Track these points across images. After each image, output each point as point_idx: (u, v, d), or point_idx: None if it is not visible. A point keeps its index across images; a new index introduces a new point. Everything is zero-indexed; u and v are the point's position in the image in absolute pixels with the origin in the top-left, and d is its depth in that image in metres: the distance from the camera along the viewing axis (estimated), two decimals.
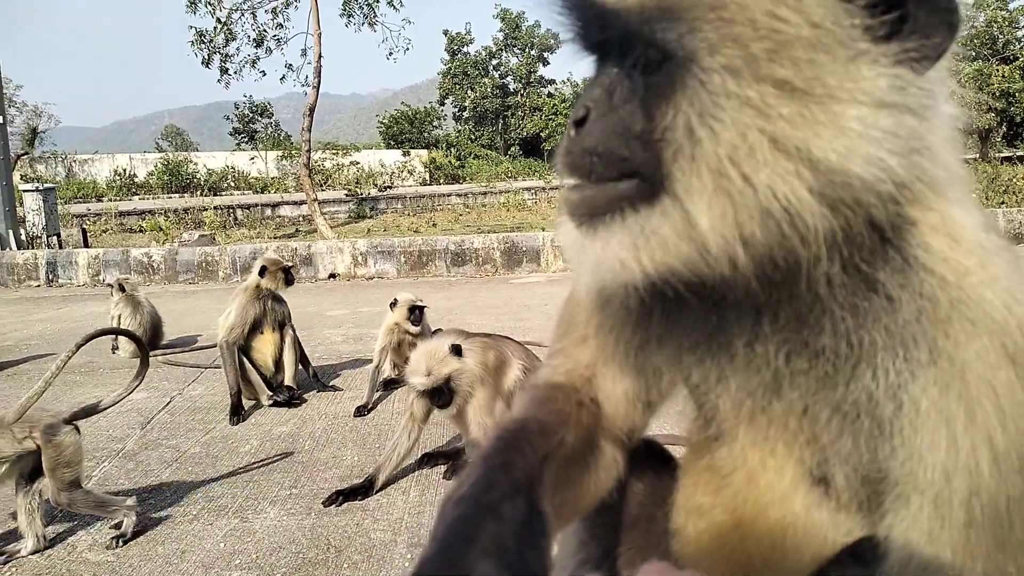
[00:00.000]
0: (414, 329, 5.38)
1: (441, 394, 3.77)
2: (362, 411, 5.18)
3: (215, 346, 7.07)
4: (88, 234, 17.20)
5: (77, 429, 3.62)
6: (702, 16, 0.78)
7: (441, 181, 39.73)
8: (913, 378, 0.87)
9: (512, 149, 56.62)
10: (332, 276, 12.25)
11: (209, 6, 19.21)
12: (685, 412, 1.19)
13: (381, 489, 3.93)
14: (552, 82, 63.06)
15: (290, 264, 5.65)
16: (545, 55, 61.74)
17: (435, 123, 57.29)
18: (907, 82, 0.80)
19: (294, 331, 5.70)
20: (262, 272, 5.44)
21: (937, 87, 0.85)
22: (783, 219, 0.78)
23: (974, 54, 36.77)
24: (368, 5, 20.41)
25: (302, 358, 5.73)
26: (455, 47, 61.93)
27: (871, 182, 0.79)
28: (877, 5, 0.79)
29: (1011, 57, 36.31)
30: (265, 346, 5.52)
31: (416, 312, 5.36)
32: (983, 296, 0.85)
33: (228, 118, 50.80)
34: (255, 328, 5.49)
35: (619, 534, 1.27)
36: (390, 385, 5.62)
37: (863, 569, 0.91)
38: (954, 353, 0.85)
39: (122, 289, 7.23)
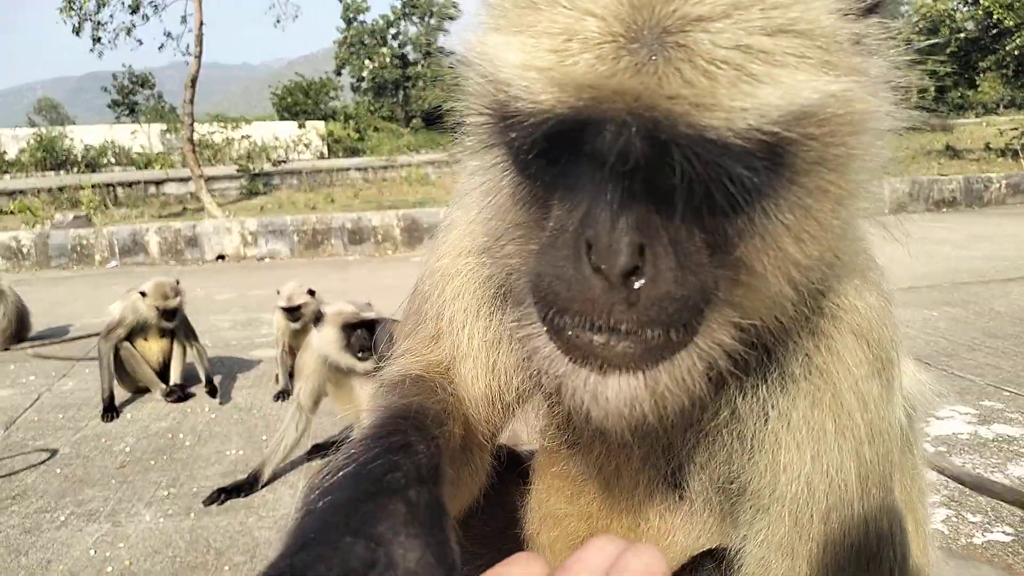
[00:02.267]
0: (294, 325, 5.17)
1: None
2: (283, 396, 5.06)
3: (89, 336, 6.71)
4: None
5: None
6: (809, 132, 0.67)
7: (340, 155, 38.61)
8: (783, 391, 0.86)
9: (414, 122, 55.70)
10: (220, 257, 11.73)
11: None
12: (539, 416, 1.14)
13: (267, 484, 3.79)
14: (453, 52, 62.31)
15: (172, 306, 5.09)
16: (445, 24, 60.86)
17: (332, 94, 55.62)
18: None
19: (198, 343, 5.42)
20: (143, 294, 5.10)
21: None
22: (779, 316, 0.79)
23: None
24: None
25: (203, 360, 5.39)
26: (351, 15, 60.26)
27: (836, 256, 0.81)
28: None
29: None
30: (148, 352, 5.22)
31: (292, 312, 5.13)
32: (863, 305, 0.85)
33: (107, 90, 47.88)
34: (139, 333, 5.17)
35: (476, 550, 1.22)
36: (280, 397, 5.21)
37: None
38: (829, 364, 0.84)
39: None
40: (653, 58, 0.63)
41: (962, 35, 26.09)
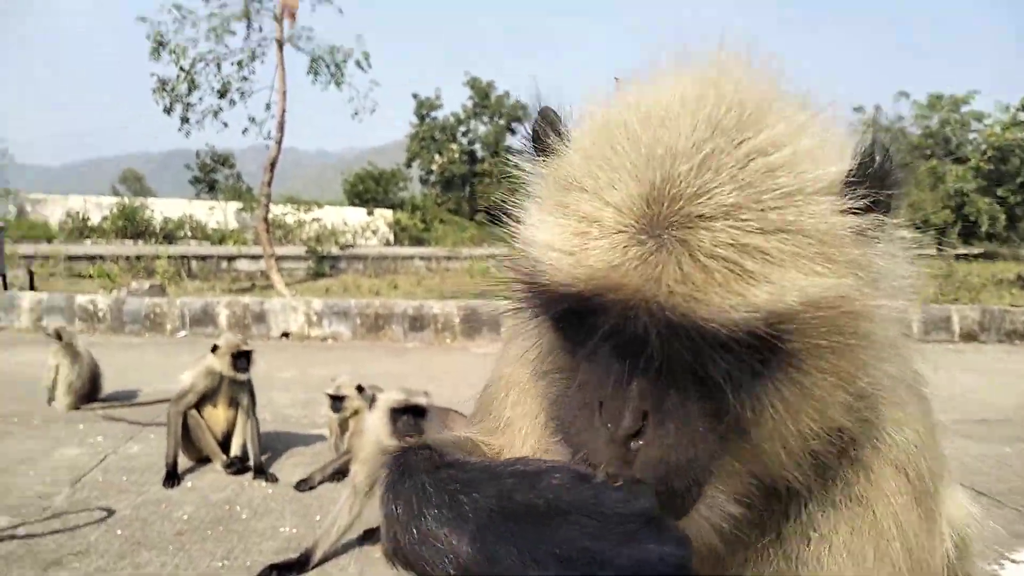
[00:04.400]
0: (334, 415, 5.33)
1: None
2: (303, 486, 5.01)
3: (157, 402, 6.93)
4: (35, 277, 16.71)
5: None
6: (801, 325, 0.76)
7: (405, 243, 39.66)
8: (824, 517, 0.91)
9: (478, 216, 56.98)
10: (285, 335, 12.04)
11: (173, 54, 19.17)
12: None
13: (318, 565, 3.81)
14: (521, 152, 64.10)
15: (246, 349, 5.37)
16: (514, 125, 62.98)
17: (401, 185, 57.67)
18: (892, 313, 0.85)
19: (255, 417, 5.47)
20: (214, 349, 5.33)
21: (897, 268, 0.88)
22: (790, 473, 0.86)
23: (929, 153, 39.09)
24: (335, 65, 20.57)
25: (255, 437, 5.41)
26: (424, 111, 62.89)
27: (852, 418, 0.87)
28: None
29: (964, 158, 38.57)
30: (215, 421, 5.37)
31: (336, 401, 5.27)
32: (903, 439, 0.93)
33: (189, 167, 50.57)
34: (208, 399, 5.35)
35: None
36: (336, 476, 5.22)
37: None
38: (869, 494, 0.91)
39: (59, 337, 7.02)
40: (657, 251, 0.73)
41: None
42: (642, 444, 0.76)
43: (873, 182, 0.80)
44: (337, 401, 5.24)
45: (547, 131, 0.90)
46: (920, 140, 40.44)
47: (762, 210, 0.74)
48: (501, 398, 1.17)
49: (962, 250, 32.64)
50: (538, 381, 0.95)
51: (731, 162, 0.76)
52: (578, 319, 0.80)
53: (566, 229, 0.78)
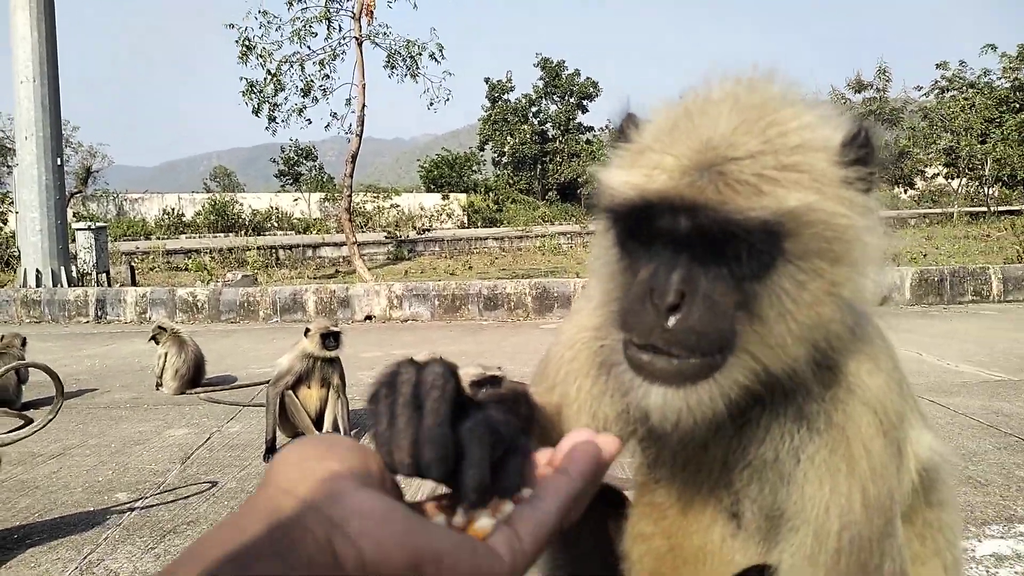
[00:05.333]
0: None
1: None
2: None
3: (253, 385, 7.42)
4: (136, 271, 17.81)
5: None
6: (798, 229, 1.02)
7: (479, 224, 40.26)
8: (811, 441, 1.19)
9: (549, 194, 57.27)
10: (368, 318, 12.54)
11: (260, 58, 20.00)
12: (634, 457, 1.48)
13: None
14: (590, 129, 63.86)
15: (335, 330, 5.71)
16: (584, 103, 62.66)
17: (475, 168, 58.32)
18: (873, 241, 1.10)
19: (344, 396, 5.81)
20: (306, 333, 5.71)
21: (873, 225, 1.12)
22: (789, 366, 1.11)
23: (1018, 106, 37.14)
24: (411, 58, 21.05)
25: (345, 414, 5.77)
26: (496, 94, 63.17)
27: (839, 332, 1.13)
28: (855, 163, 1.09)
29: None
30: (308, 400, 5.73)
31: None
32: (873, 384, 1.19)
33: (274, 160, 52.41)
34: (302, 381, 5.73)
35: (581, 564, 1.51)
36: None
37: None
38: (844, 424, 1.18)
39: (162, 330, 7.59)
40: (701, 178, 1.01)
41: None
42: (679, 317, 1.02)
43: (857, 148, 1.08)
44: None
45: (629, 126, 1.18)
46: (1007, 93, 38.24)
47: (776, 154, 1.02)
48: (559, 357, 1.41)
49: None
50: (606, 290, 1.20)
51: (755, 129, 1.04)
52: (640, 231, 1.08)
53: (638, 172, 1.06)
